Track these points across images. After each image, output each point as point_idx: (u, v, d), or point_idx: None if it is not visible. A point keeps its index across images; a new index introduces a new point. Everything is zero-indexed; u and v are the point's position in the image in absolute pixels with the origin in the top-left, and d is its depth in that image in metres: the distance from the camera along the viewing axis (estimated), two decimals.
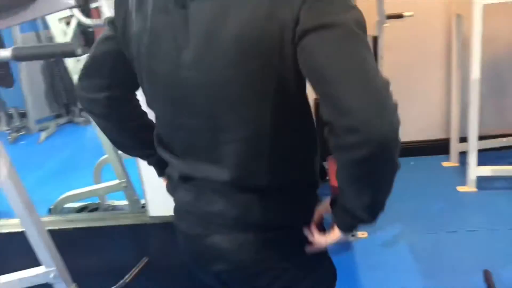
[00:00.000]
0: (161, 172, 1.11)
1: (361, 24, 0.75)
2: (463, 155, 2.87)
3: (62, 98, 4.76)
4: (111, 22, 0.97)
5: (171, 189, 1.06)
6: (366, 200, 0.80)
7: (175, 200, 1.06)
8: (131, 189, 2.13)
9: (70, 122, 4.79)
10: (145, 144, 1.08)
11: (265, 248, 0.94)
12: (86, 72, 1.02)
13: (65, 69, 3.20)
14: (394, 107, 0.72)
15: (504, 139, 3.02)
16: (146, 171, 1.82)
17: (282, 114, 0.83)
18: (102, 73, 1.00)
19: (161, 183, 1.80)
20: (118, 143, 1.15)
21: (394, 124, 0.71)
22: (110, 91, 1.00)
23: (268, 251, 0.94)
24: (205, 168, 0.92)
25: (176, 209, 1.06)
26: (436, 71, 3.05)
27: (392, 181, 0.78)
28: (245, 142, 0.85)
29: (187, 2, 0.81)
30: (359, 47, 0.73)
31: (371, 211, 0.83)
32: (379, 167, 0.74)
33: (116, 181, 2.16)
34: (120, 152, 2.24)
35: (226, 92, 0.82)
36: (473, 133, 2.61)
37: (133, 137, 1.09)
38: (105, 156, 2.31)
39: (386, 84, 0.73)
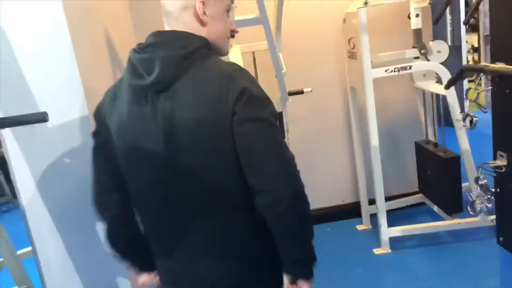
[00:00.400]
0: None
1: (275, 115, 1.07)
2: (374, 216, 2.98)
3: None
4: (96, 133, 1.22)
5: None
6: (299, 246, 1.09)
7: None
8: None
9: None
10: (143, 251, 1.26)
11: None
12: (96, 181, 1.24)
13: None
14: (298, 174, 1.04)
15: (408, 198, 3.22)
16: (49, 272, 1.66)
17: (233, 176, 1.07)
18: (107, 178, 1.21)
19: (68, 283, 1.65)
20: (124, 250, 1.29)
21: (299, 188, 1.04)
22: (118, 191, 1.20)
23: None
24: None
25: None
26: (339, 139, 3.23)
27: (311, 226, 1.08)
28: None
29: (152, 99, 1.06)
30: (275, 134, 1.05)
31: (308, 252, 1.10)
32: (297, 217, 1.05)
33: None
34: (19, 252, 2.03)
35: (190, 164, 1.07)
36: (380, 197, 2.74)
37: (135, 243, 1.27)
38: (0, 259, 2.07)
39: (293, 158, 1.05)
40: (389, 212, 2.81)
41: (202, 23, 1.10)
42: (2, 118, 1.41)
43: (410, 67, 2.56)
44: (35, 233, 1.64)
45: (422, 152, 3.04)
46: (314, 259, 1.11)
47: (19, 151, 1.56)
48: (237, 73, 1.07)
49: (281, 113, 2.69)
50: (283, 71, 2.55)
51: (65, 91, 1.55)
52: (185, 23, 1.09)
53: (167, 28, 1.12)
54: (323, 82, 3.08)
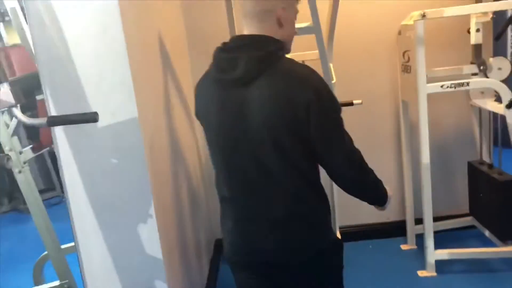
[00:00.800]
0: None
1: (340, 108, 1.31)
2: (420, 237, 2.86)
3: (5, 184, 4.50)
4: (196, 115, 1.47)
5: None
6: (368, 198, 1.49)
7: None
8: None
9: (13, 210, 4.50)
10: None
11: None
12: None
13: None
14: (358, 158, 1.36)
15: (458, 220, 3.07)
16: (90, 269, 1.67)
17: (304, 155, 1.30)
18: None
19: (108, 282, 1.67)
20: None
21: (357, 168, 1.36)
22: None
23: None
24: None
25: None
26: (387, 154, 3.13)
27: (374, 184, 1.45)
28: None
29: (235, 91, 1.26)
30: (341, 131, 1.31)
31: (376, 196, 1.49)
32: (362, 183, 1.40)
33: (57, 282, 1.97)
34: (63, 247, 2.07)
35: (270, 141, 1.26)
36: (428, 217, 2.62)
37: None
38: (46, 252, 2.13)
39: (351, 143, 1.34)
40: (436, 233, 2.67)
41: (280, 26, 1.28)
42: (54, 116, 1.44)
43: (468, 84, 2.44)
44: (79, 229, 1.67)
45: (475, 173, 2.90)
46: (382, 195, 1.49)
47: (69, 148, 1.60)
48: (311, 75, 1.27)
49: None
50: (333, 82, 2.49)
51: (117, 92, 1.56)
52: (265, 25, 1.28)
53: (246, 27, 1.30)
54: (373, 94, 3.00)
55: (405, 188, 3.01)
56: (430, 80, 2.48)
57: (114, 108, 1.58)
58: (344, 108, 2.63)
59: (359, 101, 2.57)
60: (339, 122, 1.29)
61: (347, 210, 3.12)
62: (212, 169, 1.47)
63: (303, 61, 2.60)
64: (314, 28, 2.05)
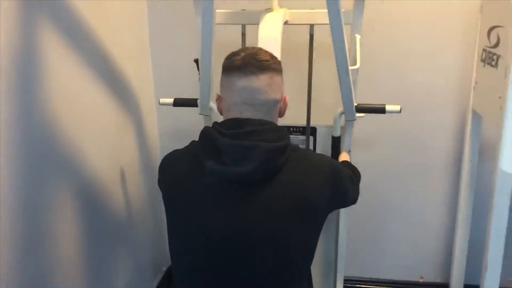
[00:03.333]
0: None
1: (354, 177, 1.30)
2: None
3: None
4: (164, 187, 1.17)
5: None
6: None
7: None
8: None
9: None
10: None
11: None
12: None
13: None
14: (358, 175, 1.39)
15: None
16: None
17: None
18: None
19: None
20: None
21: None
22: None
23: None
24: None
25: None
26: (434, 187, 2.07)
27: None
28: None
29: (242, 187, 1.01)
30: (355, 187, 1.27)
31: None
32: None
33: None
34: None
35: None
36: None
37: None
38: None
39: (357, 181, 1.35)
40: None
41: (281, 114, 1.15)
42: None
43: None
44: None
45: None
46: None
47: None
48: (325, 166, 1.11)
49: (338, 139, 1.60)
50: (354, 67, 1.45)
51: None
52: (271, 114, 1.11)
53: (246, 112, 1.07)
54: (426, 95, 1.93)
55: (456, 238, 1.95)
56: None
57: None
58: (376, 116, 1.62)
59: (397, 108, 1.50)
60: (354, 189, 1.26)
61: (364, 259, 2.16)
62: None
63: (310, 26, 1.57)
64: None
